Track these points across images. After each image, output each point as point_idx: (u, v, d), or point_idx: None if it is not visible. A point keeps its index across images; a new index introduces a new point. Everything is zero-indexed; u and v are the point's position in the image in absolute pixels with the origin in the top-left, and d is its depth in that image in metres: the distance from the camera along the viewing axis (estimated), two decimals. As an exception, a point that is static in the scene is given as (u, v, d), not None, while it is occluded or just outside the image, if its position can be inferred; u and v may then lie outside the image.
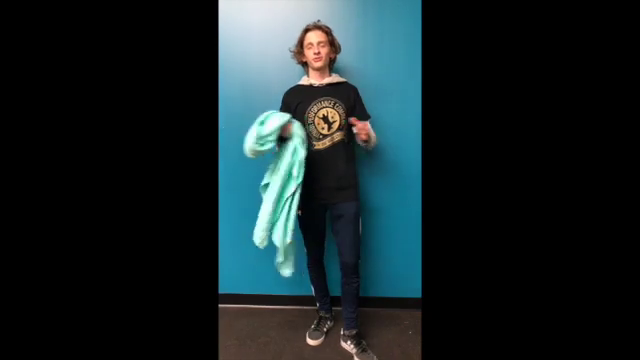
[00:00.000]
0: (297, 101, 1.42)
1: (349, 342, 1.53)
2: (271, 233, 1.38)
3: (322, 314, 1.70)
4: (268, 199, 1.35)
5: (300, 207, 1.47)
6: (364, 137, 1.32)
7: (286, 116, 1.30)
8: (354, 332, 1.54)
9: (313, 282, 1.67)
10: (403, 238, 1.78)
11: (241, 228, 1.82)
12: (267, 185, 1.39)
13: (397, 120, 1.67)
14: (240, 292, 1.89)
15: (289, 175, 1.34)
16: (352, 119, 1.33)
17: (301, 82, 1.46)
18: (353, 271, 1.51)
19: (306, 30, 1.39)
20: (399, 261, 1.81)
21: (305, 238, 1.56)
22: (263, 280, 1.89)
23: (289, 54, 1.47)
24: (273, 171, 1.38)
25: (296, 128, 1.33)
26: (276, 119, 1.27)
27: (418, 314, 1.73)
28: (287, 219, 1.36)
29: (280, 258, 1.43)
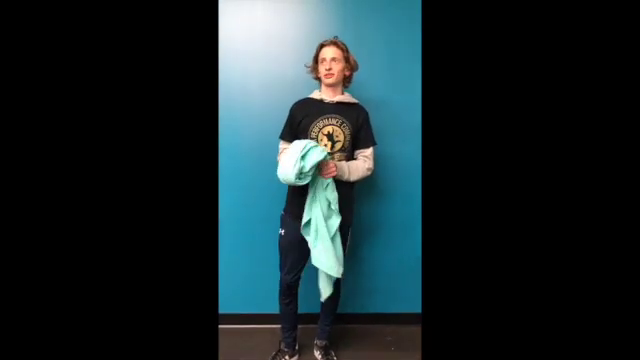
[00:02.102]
0: (304, 114, 1.37)
1: (318, 352, 1.62)
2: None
3: (282, 347, 1.58)
4: (323, 238, 1.33)
5: (283, 225, 1.42)
6: (326, 177, 1.31)
7: (324, 152, 1.26)
8: (324, 343, 1.62)
9: (282, 312, 1.53)
10: (386, 254, 1.84)
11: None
12: (309, 222, 1.35)
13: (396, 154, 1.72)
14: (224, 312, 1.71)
15: (329, 209, 1.34)
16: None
17: (312, 95, 1.42)
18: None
19: (321, 45, 1.37)
20: (378, 276, 1.86)
21: (284, 260, 1.46)
22: (244, 299, 1.78)
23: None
24: (311, 207, 1.34)
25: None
26: (315, 154, 1.24)
27: (401, 329, 1.80)
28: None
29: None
